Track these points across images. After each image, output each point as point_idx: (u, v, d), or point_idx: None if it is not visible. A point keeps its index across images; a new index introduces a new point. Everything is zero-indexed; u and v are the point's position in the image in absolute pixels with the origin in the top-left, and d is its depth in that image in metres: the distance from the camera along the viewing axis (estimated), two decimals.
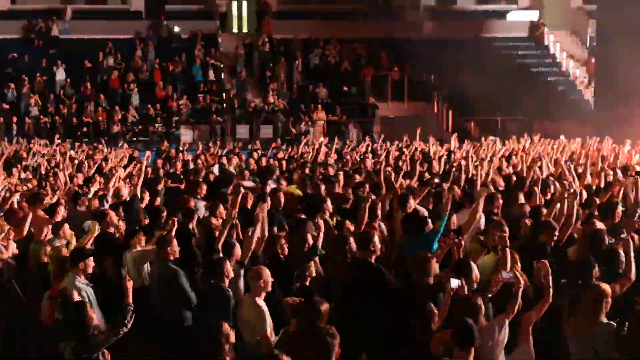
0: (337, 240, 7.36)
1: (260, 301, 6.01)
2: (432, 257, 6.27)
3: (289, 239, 7.41)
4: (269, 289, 6.07)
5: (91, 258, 6.43)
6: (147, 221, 8.82)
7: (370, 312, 6.07)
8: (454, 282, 5.60)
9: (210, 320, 6.08)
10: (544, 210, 8.32)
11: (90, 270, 6.39)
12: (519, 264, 6.55)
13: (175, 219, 7.92)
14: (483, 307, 5.29)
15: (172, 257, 6.97)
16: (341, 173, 11.50)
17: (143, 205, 9.77)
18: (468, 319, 4.89)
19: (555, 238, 7.24)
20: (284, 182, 10.93)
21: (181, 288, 6.80)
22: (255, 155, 17.20)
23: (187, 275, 6.94)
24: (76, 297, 5.87)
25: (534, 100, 27.10)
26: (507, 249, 6.39)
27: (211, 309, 6.30)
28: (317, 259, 7.29)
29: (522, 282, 5.61)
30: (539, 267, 5.87)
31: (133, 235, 7.71)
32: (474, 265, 6.12)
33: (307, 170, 13.01)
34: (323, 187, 10.20)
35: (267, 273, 6.09)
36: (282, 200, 9.34)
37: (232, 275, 6.45)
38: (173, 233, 7.59)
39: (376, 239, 6.38)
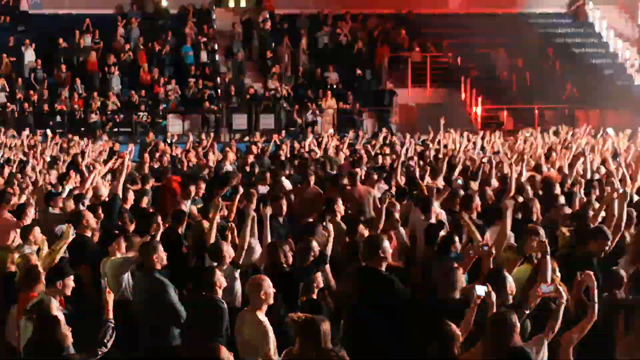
0: (348, 246, 7.35)
1: (262, 316, 6.02)
2: (458, 267, 6.27)
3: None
4: (271, 301, 6.08)
5: (71, 277, 6.39)
6: (132, 225, 8.83)
7: (380, 330, 6.07)
8: (480, 289, 5.59)
9: (201, 337, 6.09)
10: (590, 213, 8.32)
11: (68, 292, 6.34)
12: (558, 274, 6.53)
13: (161, 222, 7.92)
14: (518, 324, 5.27)
15: (158, 267, 6.95)
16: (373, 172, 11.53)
17: (128, 206, 9.80)
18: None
19: (607, 248, 7.23)
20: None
21: (169, 302, 6.78)
22: (254, 149, 17.19)
23: (176, 288, 6.94)
24: (54, 312, 5.87)
25: (576, 86, 26.99)
26: (548, 257, 6.36)
27: (202, 324, 6.30)
28: (327, 268, 7.31)
29: (565, 296, 5.60)
30: (584, 279, 5.84)
31: (112, 240, 7.72)
32: (508, 276, 6.12)
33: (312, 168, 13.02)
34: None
35: (267, 283, 6.10)
36: (285, 207, 9.35)
37: (224, 284, 6.48)
38: (158, 238, 7.59)
39: (386, 244, 6.39)
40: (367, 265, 6.42)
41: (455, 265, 6.40)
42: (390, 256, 6.41)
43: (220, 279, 6.43)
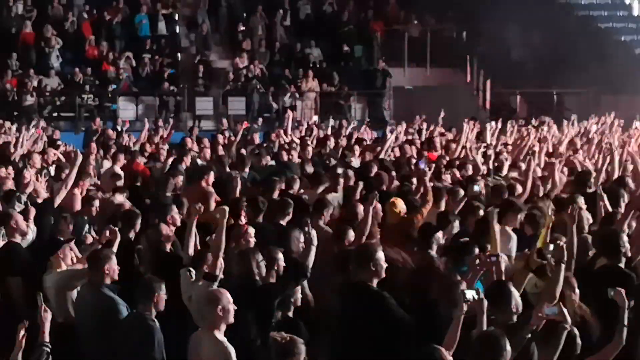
0: (336, 256, 7.36)
1: (220, 335, 6.07)
2: (462, 282, 6.39)
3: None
4: (231, 319, 6.12)
5: None
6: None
7: (369, 354, 6.11)
8: (469, 294, 5.75)
9: None
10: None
11: None
12: (577, 292, 6.55)
13: (116, 228, 7.89)
14: (508, 349, 5.37)
15: (108, 281, 6.97)
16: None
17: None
18: None
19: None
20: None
21: (119, 324, 6.73)
22: (221, 139, 17.14)
23: (128, 307, 6.90)
24: None
25: (602, 67, 27.08)
26: (562, 266, 6.38)
27: (130, 348, 6.33)
28: (305, 282, 7.35)
29: (569, 320, 5.75)
30: (613, 297, 5.89)
31: (53, 248, 7.64)
32: (514, 291, 6.20)
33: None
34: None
35: (226, 297, 6.15)
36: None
37: (161, 305, 6.46)
38: (115, 248, 7.59)
39: (380, 255, 6.45)
40: (357, 280, 6.40)
41: (459, 278, 6.45)
42: (383, 270, 6.41)
43: (162, 293, 6.47)
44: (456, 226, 9.03)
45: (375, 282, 6.40)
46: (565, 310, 5.80)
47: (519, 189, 10.41)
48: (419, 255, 8.04)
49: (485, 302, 5.78)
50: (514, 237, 8.53)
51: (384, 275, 6.49)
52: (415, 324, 6.28)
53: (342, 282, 7.00)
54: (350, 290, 6.53)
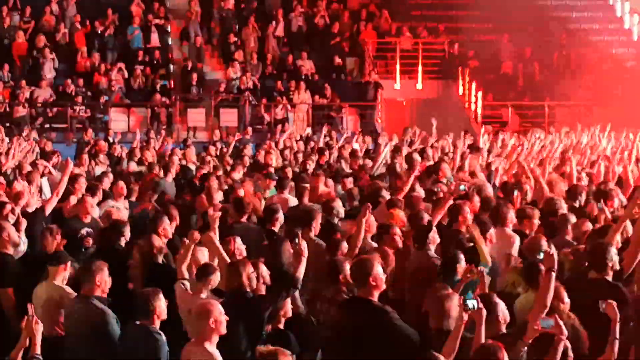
0: (327, 267, 7.34)
1: (212, 347, 6.07)
2: (453, 294, 6.36)
3: None
4: (223, 330, 6.13)
5: None
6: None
7: None
8: (470, 303, 5.76)
9: None
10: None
11: None
12: (567, 301, 6.58)
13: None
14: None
15: (99, 292, 6.96)
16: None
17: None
18: None
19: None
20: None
21: (110, 336, 6.77)
22: (212, 150, 17.16)
23: (118, 319, 6.90)
24: None
25: (593, 79, 27.16)
26: (553, 274, 6.39)
27: None
28: (297, 293, 7.33)
29: (566, 332, 5.71)
30: (605, 309, 5.88)
31: (45, 260, 7.61)
32: (500, 303, 6.22)
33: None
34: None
35: (218, 309, 6.16)
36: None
37: (164, 314, 6.47)
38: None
39: (378, 269, 6.38)
40: (357, 295, 6.41)
41: (450, 291, 6.44)
42: (383, 283, 6.38)
43: (162, 306, 6.47)
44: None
45: (376, 295, 6.32)
46: (561, 323, 5.78)
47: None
48: (418, 255, 8.03)
49: (485, 312, 5.77)
50: (517, 238, 8.50)
51: (384, 287, 6.43)
52: (420, 338, 6.25)
53: (335, 293, 6.98)
54: (352, 306, 6.47)
